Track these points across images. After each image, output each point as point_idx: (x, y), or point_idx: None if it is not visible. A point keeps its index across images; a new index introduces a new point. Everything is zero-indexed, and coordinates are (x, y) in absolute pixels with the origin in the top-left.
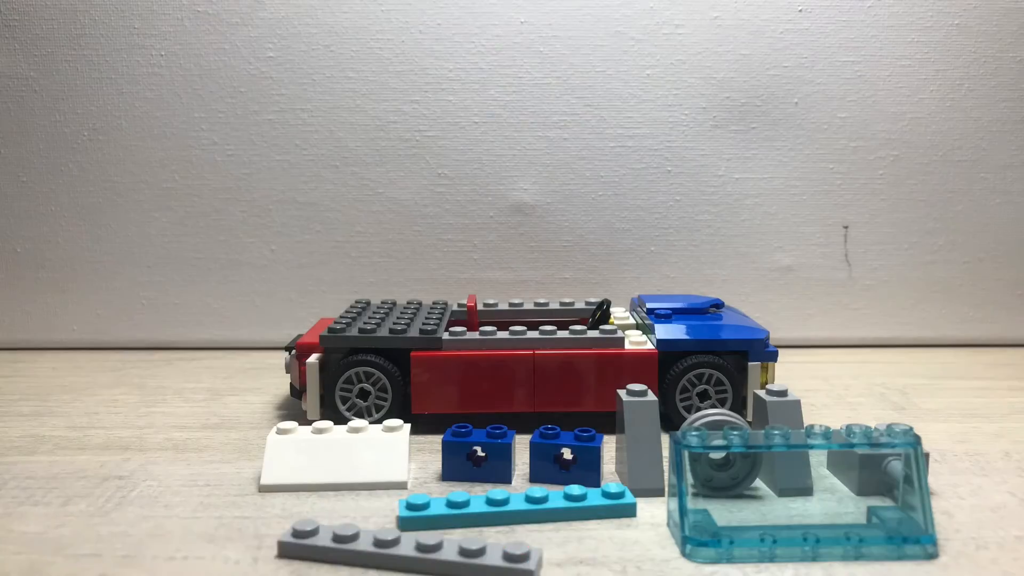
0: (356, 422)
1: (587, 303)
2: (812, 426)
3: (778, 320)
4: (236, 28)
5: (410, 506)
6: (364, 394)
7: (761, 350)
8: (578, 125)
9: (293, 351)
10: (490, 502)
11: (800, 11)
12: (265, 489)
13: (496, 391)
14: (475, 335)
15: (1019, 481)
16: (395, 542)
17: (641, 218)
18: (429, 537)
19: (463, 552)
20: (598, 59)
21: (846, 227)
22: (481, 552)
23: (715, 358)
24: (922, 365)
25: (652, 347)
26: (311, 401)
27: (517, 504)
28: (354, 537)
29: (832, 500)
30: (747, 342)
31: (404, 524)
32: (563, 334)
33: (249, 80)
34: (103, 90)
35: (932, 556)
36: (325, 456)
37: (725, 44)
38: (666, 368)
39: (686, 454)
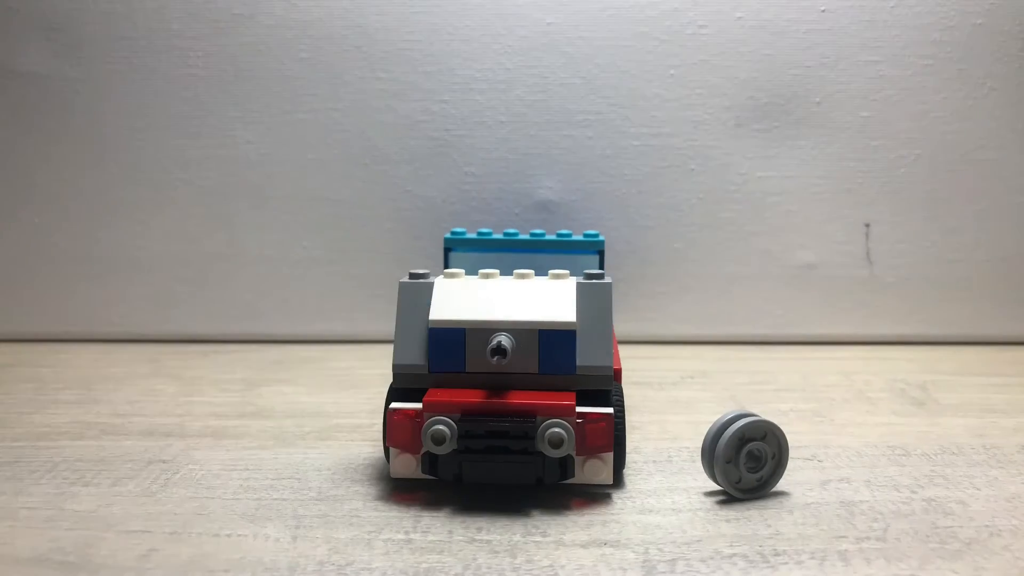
0: (521, 271)
1: None
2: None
3: (800, 317)
4: (271, 30)
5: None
6: None
7: None
8: (603, 124)
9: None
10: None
11: (823, 11)
12: (434, 324)
13: None
14: None
15: None
16: None
17: (664, 216)
18: None
19: None
20: (623, 59)
21: (868, 225)
22: None
23: None
24: (943, 362)
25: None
26: None
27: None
28: None
29: None
30: None
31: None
32: None
33: (283, 81)
34: (142, 91)
35: None
36: (494, 298)
37: (748, 44)
38: None
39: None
